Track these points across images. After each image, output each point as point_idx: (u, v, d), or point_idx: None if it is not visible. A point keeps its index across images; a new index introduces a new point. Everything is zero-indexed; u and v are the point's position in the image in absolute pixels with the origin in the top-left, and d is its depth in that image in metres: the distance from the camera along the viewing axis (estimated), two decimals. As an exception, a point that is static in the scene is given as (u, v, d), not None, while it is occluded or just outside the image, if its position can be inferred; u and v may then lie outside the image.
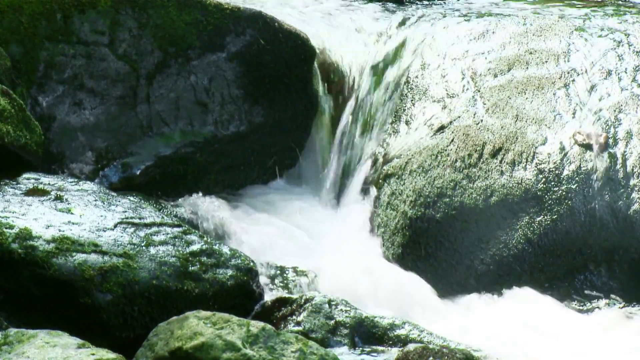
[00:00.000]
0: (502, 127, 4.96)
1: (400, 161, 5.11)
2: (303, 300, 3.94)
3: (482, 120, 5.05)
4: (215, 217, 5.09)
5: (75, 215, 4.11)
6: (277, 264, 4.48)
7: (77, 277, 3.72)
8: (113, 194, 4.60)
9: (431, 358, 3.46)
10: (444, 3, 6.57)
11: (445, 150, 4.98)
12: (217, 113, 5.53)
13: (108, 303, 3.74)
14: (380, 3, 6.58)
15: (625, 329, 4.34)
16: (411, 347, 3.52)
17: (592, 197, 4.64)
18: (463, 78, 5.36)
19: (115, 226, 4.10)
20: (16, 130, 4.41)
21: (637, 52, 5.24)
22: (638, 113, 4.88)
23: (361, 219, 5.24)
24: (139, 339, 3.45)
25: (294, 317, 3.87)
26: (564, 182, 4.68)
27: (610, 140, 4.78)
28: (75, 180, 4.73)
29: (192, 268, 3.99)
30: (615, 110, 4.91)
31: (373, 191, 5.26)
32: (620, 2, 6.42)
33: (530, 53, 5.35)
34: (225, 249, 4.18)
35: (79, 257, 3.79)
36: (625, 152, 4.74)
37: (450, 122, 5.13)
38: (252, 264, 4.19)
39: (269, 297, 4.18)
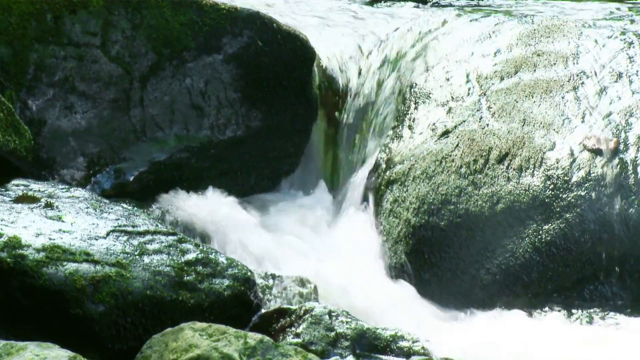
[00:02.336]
0: (508, 132, 4.97)
1: (403, 167, 5.12)
2: (302, 311, 3.94)
3: (488, 125, 5.06)
4: (211, 225, 5.10)
5: (66, 223, 4.12)
6: (276, 273, 4.48)
7: (68, 287, 3.73)
8: (105, 201, 4.61)
9: (435, 371, 3.48)
10: (450, 3, 6.59)
11: (450, 155, 4.99)
12: (213, 117, 5.54)
13: (100, 314, 3.74)
14: (384, 3, 6.61)
15: (636, 342, 4.34)
16: (415, 359, 3.52)
17: (603, 205, 4.64)
18: (468, 81, 5.37)
19: (107, 234, 4.11)
20: (4, 134, 4.42)
21: (648, 53, 5.26)
22: (650, 117, 4.90)
23: (363, 227, 5.25)
24: (132, 352, 3.46)
25: (293, 328, 3.88)
26: (573, 188, 4.69)
27: (621, 146, 4.79)
28: (66, 186, 4.74)
29: (188, 278, 4.00)
30: (626, 114, 4.92)
31: (375, 198, 5.26)
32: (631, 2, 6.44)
33: (538, 55, 5.36)
34: (222, 258, 4.19)
35: (70, 266, 3.80)
36: (636, 157, 4.75)
37: (455, 127, 5.14)
38: (249, 273, 4.19)
39: (267, 307, 4.18)
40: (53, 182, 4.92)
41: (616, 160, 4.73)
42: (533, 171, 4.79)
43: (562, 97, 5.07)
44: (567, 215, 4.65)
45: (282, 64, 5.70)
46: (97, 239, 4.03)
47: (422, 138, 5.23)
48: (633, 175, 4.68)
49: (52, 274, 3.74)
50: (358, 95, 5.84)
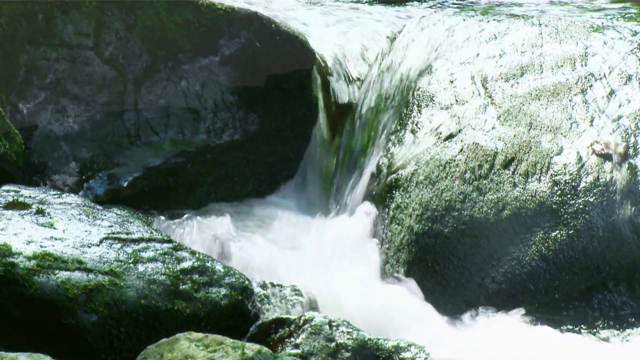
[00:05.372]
0: (514, 136, 4.98)
1: (405, 172, 5.13)
2: (302, 321, 3.94)
3: (493, 129, 5.07)
4: (207, 231, 5.10)
5: (58, 230, 4.13)
6: (274, 282, 4.49)
7: (60, 296, 3.73)
8: (98, 207, 4.62)
9: (439, 383, 3.48)
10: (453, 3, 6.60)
11: (454, 160, 5.00)
12: (209, 121, 5.55)
13: (93, 324, 3.75)
14: (386, 4, 6.62)
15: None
16: (417, 371, 3.53)
17: (611, 211, 4.65)
18: (473, 83, 5.38)
19: (100, 242, 4.12)
20: (-5, 139, 4.43)
21: (659, 55, 5.27)
22: (660, 121, 4.90)
23: (364, 234, 5.25)
24: (127, 363, 3.47)
25: (292, 339, 3.88)
26: (581, 194, 4.70)
27: (631, 150, 4.80)
28: (58, 192, 4.75)
29: (183, 287, 4.00)
30: (635, 118, 4.93)
31: (377, 204, 5.27)
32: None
33: (545, 56, 5.37)
34: (219, 266, 4.20)
35: (62, 274, 3.80)
36: (646, 162, 4.76)
37: (459, 131, 5.15)
38: (247, 282, 4.20)
39: (265, 317, 4.19)
40: (44, 188, 4.93)
41: (625, 165, 4.73)
42: (540, 177, 4.79)
43: (570, 100, 5.08)
44: (575, 222, 4.65)
45: (280, 66, 5.71)
46: (89, 247, 4.04)
47: (425, 142, 5.24)
48: (643, 180, 4.69)
49: (43, 282, 3.75)
50: (360, 98, 5.85)
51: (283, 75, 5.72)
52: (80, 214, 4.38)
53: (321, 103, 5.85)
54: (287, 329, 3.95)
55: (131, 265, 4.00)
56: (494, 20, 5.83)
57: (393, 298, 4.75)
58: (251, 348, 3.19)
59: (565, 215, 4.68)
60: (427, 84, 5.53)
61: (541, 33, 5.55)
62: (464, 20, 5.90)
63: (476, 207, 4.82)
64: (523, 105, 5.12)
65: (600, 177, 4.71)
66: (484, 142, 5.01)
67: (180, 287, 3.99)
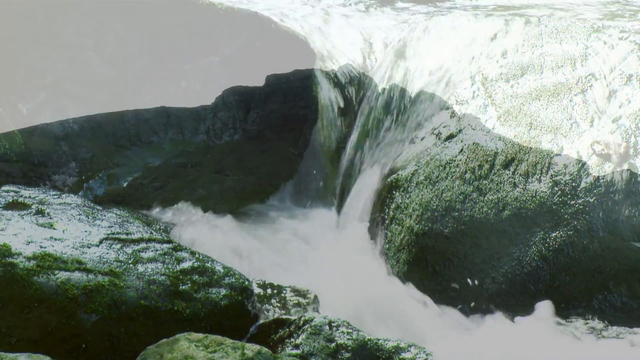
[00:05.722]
0: (515, 136, 4.98)
1: (405, 172, 5.13)
2: (302, 322, 3.94)
3: (493, 129, 5.06)
4: (207, 232, 5.10)
5: (57, 231, 4.13)
6: (275, 282, 4.49)
7: (60, 296, 3.74)
8: (98, 207, 4.62)
9: (439, 383, 3.48)
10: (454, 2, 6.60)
11: (454, 160, 5.00)
12: (209, 121, 5.55)
13: (93, 324, 3.75)
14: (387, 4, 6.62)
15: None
16: (417, 371, 3.53)
17: (612, 211, 4.65)
18: (473, 83, 5.38)
19: (100, 242, 4.12)
20: (-5, 139, 4.43)
21: (659, 55, 5.26)
22: (660, 121, 4.90)
23: (365, 235, 5.25)
24: (126, 363, 3.47)
25: (292, 339, 3.88)
26: (581, 195, 4.70)
27: (631, 150, 4.79)
28: (58, 193, 4.75)
29: (183, 287, 4.00)
30: (636, 118, 4.93)
31: (377, 204, 5.27)
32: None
33: (545, 57, 5.37)
34: (219, 267, 4.20)
35: (62, 275, 3.81)
36: (646, 162, 4.76)
37: (460, 131, 5.15)
38: (247, 282, 4.20)
39: (265, 318, 4.19)
40: (44, 188, 4.93)
41: (626, 166, 4.73)
42: (540, 177, 4.79)
43: (570, 100, 5.08)
44: (575, 223, 4.66)
45: (280, 65, 5.71)
46: (89, 247, 4.04)
47: (425, 142, 5.24)
48: (643, 181, 4.69)
49: (43, 283, 3.75)
50: (361, 98, 5.85)
51: (283, 75, 5.72)
52: (80, 214, 4.38)
53: (322, 103, 5.84)
54: (287, 329, 3.95)
55: (131, 265, 4.00)
56: (494, 19, 5.83)
57: (393, 298, 4.75)
58: (251, 348, 3.18)
59: (566, 216, 4.68)
60: (428, 84, 5.52)
61: (541, 33, 5.54)
62: (465, 19, 5.89)
63: (476, 207, 4.82)
64: (523, 105, 5.12)
65: (600, 178, 4.71)
66: (484, 142, 5.01)
67: (180, 287, 3.99)
